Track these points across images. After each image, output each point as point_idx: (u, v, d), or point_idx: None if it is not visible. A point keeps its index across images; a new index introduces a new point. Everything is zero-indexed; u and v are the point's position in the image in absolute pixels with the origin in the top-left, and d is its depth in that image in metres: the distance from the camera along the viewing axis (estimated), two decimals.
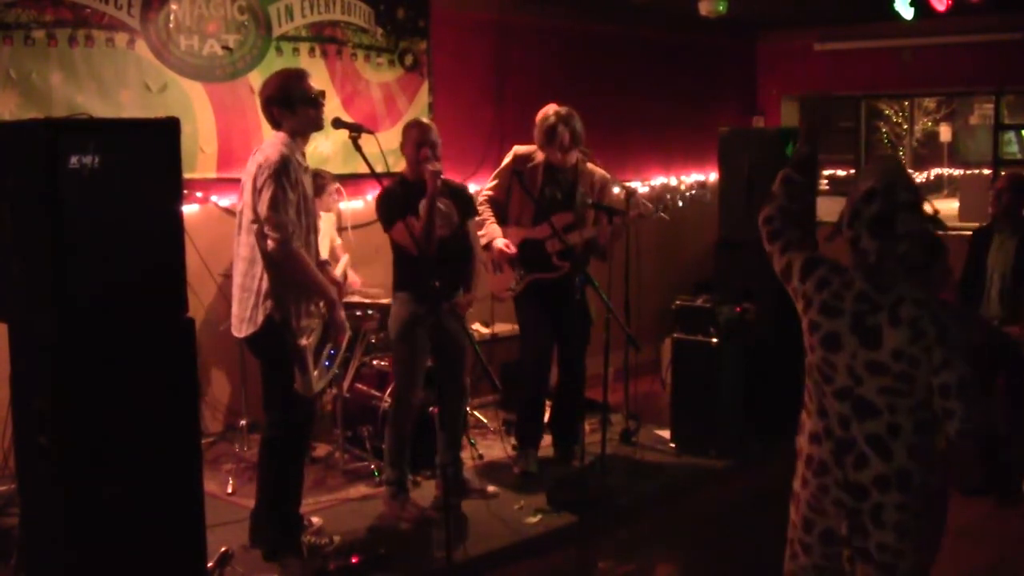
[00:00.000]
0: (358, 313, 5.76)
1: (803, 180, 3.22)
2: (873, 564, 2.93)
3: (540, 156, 5.71)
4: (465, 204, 5.26)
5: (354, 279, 6.25)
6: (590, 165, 5.79)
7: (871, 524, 2.91)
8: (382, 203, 5.02)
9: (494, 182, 5.81)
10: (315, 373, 4.38)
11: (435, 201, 4.90)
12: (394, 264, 5.18)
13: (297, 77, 4.44)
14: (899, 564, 2.90)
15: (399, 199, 4.95)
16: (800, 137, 3.34)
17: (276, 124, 4.41)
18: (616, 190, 5.90)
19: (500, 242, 5.62)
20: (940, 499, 2.94)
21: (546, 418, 6.11)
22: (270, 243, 4.21)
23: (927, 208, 2.89)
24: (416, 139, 5.02)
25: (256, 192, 4.25)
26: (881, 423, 2.86)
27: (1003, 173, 7.70)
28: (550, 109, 5.63)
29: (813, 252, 3.08)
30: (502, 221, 5.74)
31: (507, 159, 5.80)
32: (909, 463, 2.85)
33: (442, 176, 4.94)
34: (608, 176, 5.82)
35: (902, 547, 2.89)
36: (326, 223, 5.96)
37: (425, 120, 5.26)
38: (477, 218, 5.50)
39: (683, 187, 6.00)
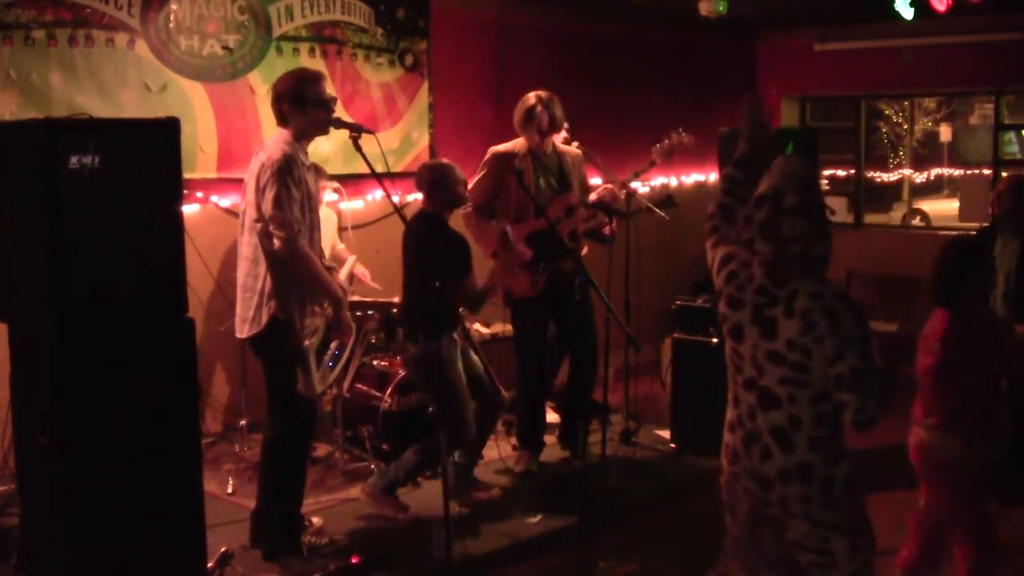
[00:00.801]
0: (358, 313, 5.75)
1: (745, 177, 3.28)
2: (806, 552, 2.98)
3: (522, 149, 5.70)
4: (463, 261, 5.17)
5: (363, 272, 6.24)
6: (561, 145, 5.82)
7: (784, 515, 2.99)
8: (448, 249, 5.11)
9: (475, 191, 5.64)
10: (318, 374, 4.37)
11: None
12: (420, 313, 5.04)
13: (314, 79, 4.45)
14: (832, 549, 2.96)
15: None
16: (743, 133, 3.37)
17: (283, 121, 4.41)
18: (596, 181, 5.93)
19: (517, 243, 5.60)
20: (851, 492, 2.99)
21: (548, 419, 6.11)
22: (276, 242, 4.21)
23: (820, 208, 2.98)
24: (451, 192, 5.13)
25: (260, 191, 4.25)
26: (783, 414, 2.95)
27: (1004, 175, 7.70)
28: (531, 93, 5.68)
29: (732, 247, 3.17)
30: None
31: (489, 161, 5.74)
32: (810, 456, 2.93)
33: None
34: (580, 153, 5.87)
35: (823, 534, 2.95)
36: (327, 225, 5.95)
37: (447, 163, 5.27)
38: (471, 232, 5.54)
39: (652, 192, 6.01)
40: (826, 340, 2.86)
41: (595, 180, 6.48)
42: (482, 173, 5.76)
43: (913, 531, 4.20)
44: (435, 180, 5.13)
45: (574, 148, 5.85)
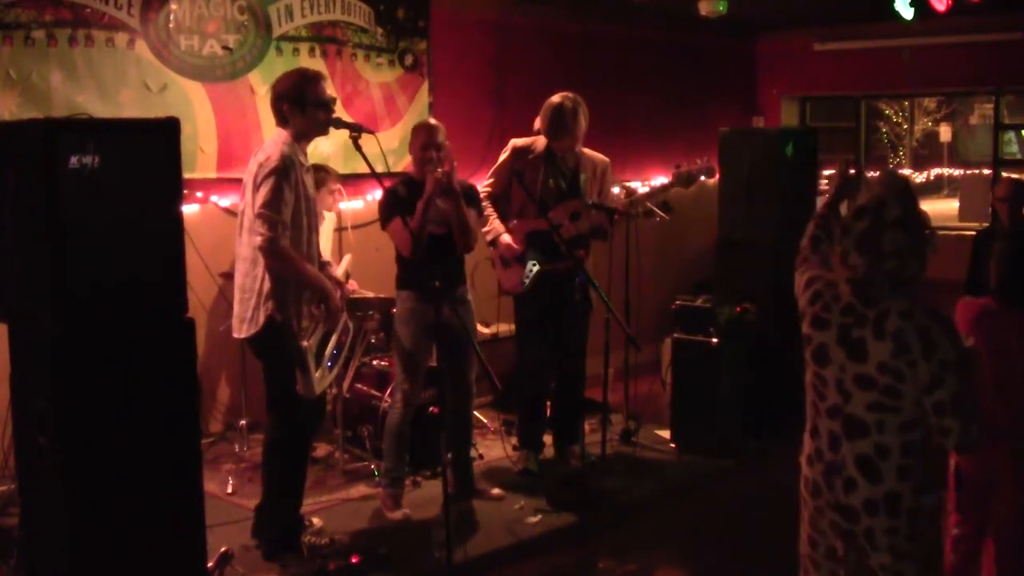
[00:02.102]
0: (358, 313, 5.76)
1: (836, 216, 3.23)
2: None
3: (540, 146, 5.69)
4: (469, 200, 5.25)
5: (351, 283, 6.25)
6: (587, 150, 5.77)
7: (868, 545, 2.90)
8: (384, 201, 5.03)
9: (492, 179, 5.78)
10: (317, 374, 4.37)
11: (430, 203, 4.90)
12: (397, 263, 5.18)
13: (314, 79, 4.44)
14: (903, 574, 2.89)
15: (401, 199, 4.96)
16: (833, 183, 3.31)
17: (283, 121, 4.41)
18: (615, 190, 5.90)
19: (506, 238, 5.61)
20: (935, 520, 2.91)
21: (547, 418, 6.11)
22: (257, 239, 4.20)
23: (921, 224, 2.87)
24: (423, 141, 5.02)
25: (256, 190, 4.25)
26: (869, 443, 2.84)
27: (1003, 175, 7.71)
28: (564, 100, 5.56)
29: (818, 270, 3.08)
30: (504, 215, 5.73)
31: (505, 154, 5.77)
32: (899, 485, 2.83)
33: (453, 175, 4.93)
34: (608, 161, 5.81)
35: (900, 567, 2.87)
36: (325, 224, 5.95)
37: (433, 121, 5.23)
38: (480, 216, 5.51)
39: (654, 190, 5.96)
40: (920, 364, 2.75)
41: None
42: (499, 163, 5.80)
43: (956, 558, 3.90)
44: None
45: (600, 155, 5.81)
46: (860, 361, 2.84)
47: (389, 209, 4.98)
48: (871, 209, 2.85)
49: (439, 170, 4.90)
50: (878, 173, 3.00)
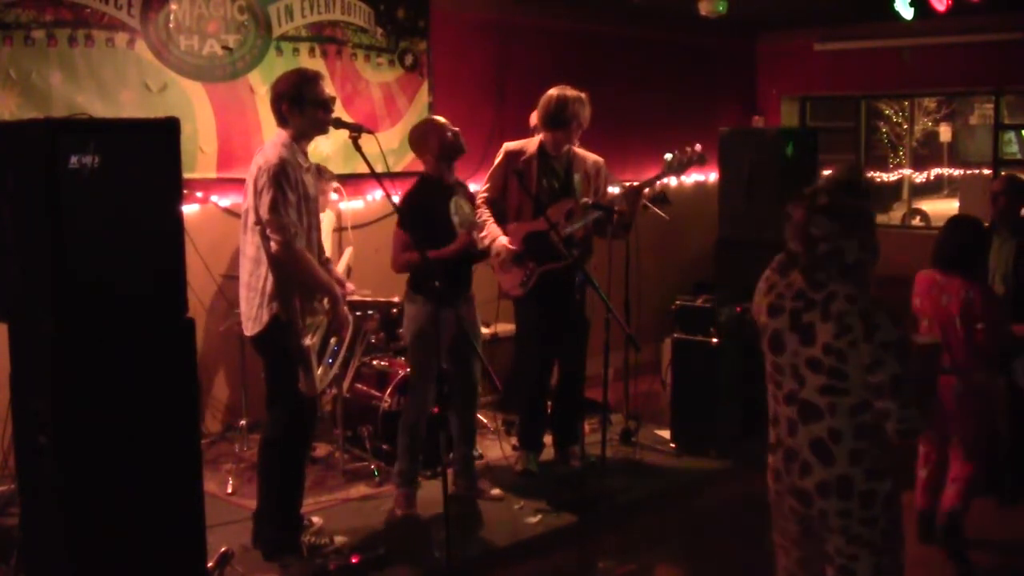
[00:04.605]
0: (358, 313, 5.75)
1: None
2: (833, 567, 2.97)
3: (532, 148, 5.69)
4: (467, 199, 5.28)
5: (348, 285, 6.24)
6: (580, 150, 5.77)
7: (823, 530, 2.96)
8: (406, 208, 5.01)
9: (488, 184, 5.78)
10: (319, 372, 4.38)
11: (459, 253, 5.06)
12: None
13: (313, 79, 4.45)
14: (855, 568, 2.93)
15: (423, 205, 5.02)
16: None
17: (282, 121, 4.41)
18: (615, 189, 5.89)
19: (503, 240, 5.61)
20: (891, 507, 2.95)
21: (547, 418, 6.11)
22: (273, 245, 4.23)
23: (854, 212, 2.96)
24: (439, 143, 5.08)
25: (257, 194, 4.27)
26: (823, 427, 2.92)
27: (1002, 173, 7.70)
28: (565, 91, 5.56)
29: (773, 265, 3.20)
30: (502, 219, 5.73)
31: (499, 158, 5.77)
32: (851, 469, 2.90)
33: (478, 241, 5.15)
34: (601, 160, 5.80)
35: (853, 551, 2.92)
36: (324, 223, 5.95)
37: (441, 120, 5.23)
38: (477, 220, 5.50)
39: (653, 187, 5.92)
40: (862, 345, 2.83)
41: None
42: (493, 168, 5.81)
43: (924, 479, 5.01)
44: (418, 137, 5.18)
45: (593, 155, 5.80)
46: (810, 345, 2.93)
47: (412, 220, 4.91)
48: (804, 197, 3.02)
49: (473, 234, 5.09)
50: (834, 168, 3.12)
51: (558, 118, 5.56)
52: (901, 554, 3.01)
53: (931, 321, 4.81)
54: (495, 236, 5.62)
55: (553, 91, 5.59)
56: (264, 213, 4.22)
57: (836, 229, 2.92)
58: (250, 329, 4.45)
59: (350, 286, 6.12)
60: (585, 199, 5.63)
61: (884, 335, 2.82)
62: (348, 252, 6.23)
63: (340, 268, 5.80)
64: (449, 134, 5.12)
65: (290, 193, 4.25)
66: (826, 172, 3.07)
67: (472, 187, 5.95)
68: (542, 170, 5.67)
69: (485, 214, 5.66)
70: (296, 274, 4.30)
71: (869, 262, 2.96)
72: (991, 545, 5.16)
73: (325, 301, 4.45)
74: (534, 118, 5.89)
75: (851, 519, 2.90)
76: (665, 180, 5.80)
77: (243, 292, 4.48)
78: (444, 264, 4.92)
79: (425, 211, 5.04)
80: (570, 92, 5.56)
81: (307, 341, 4.33)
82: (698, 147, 5.60)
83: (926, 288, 4.87)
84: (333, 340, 4.53)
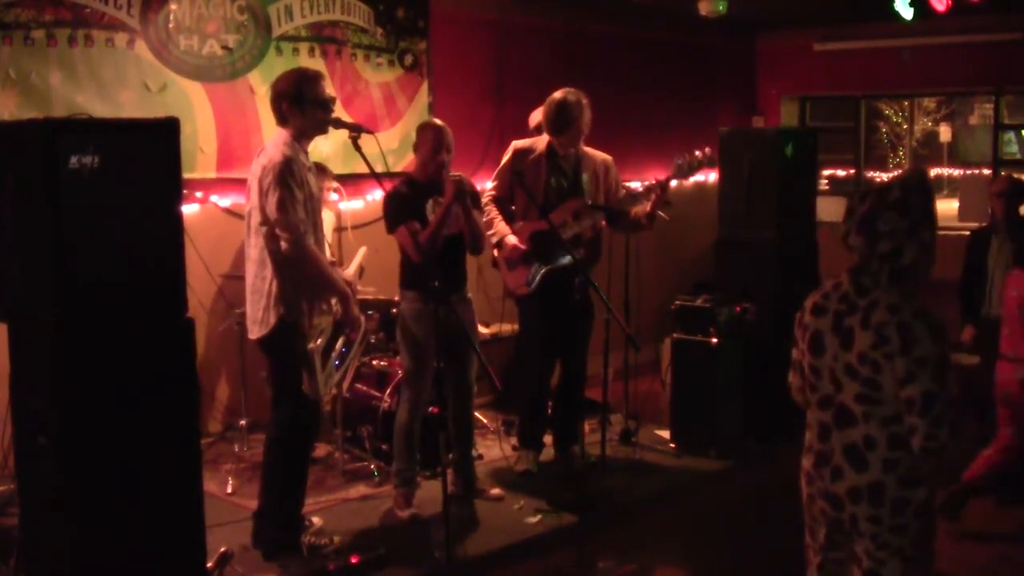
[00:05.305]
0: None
1: None
2: (861, 569, 2.95)
3: (541, 146, 5.68)
4: (472, 201, 5.24)
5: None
6: (589, 149, 5.77)
7: (854, 532, 2.93)
8: (389, 203, 5.00)
9: (496, 181, 5.79)
10: (323, 375, 4.37)
11: (451, 209, 4.90)
12: (401, 263, 5.18)
13: (313, 79, 4.45)
14: (882, 573, 2.90)
15: (406, 200, 4.95)
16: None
17: (282, 120, 4.41)
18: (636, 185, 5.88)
19: (511, 239, 5.60)
20: (924, 518, 2.91)
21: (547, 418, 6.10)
22: (283, 244, 4.22)
23: (924, 212, 2.87)
24: (433, 142, 5.01)
25: (263, 194, 4.26)
26: (857, 433, 2.87)
27: (1002, 174, 7.70)
28: (566, 96, 5.55)
29: None
30: (509, 217, 5.72)
31: (507, 155, 5.78)
32: (883, 476, 2.84)
33: (465, 182, 4.95)
34: (610, 159, 5.80)
35: (882, 556, 2.88)
36: (324, 224, 5.94)
37: (440, 123, 5.20)
38: (485, 218, 5.49)
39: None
40: (897, 359, 2.76)
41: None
42: (501, 166, 5.80)
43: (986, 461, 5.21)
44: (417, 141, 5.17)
45: (602, 154, 5.80)
46: (848, 350, 2.87)
47: (396, 213, 4.96)
48: (876, 191, 2.90)
49: (456, 175, 4.90)
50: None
51: (556, 124, 5.58)
52: (931, 564, 2.96)
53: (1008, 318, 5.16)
54: (503, 234, 5.62)
55: (556, 95, 5.60)
56: (272, 212, 4.22)
57: (903, 227, 2.83)
58: (256, 332, 4.44)
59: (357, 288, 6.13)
60: (589, 201, 5.65)
61: (920, 350, 2.74)
62: (361, 252, 6.19)
63: (352, 269, 5.78)
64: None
65: (297, 191, 4.25)
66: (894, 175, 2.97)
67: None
68: (551, 169, 5.67)
69: (492, 212, 5.66)
70: (307, 272, 4.29)
71: (924, 267, 2.88)
72: (991, 545, 5.16)
73: (335, 302, 4.45)
74: (533, 119, 5.88)
75: (881, 526, 2.86)
76: (674, 182, 5.80)
77: (248, 295, 4.48)
78: (439, 257, 4.89)
79: (405, 201, 5.00)
80: (571, 97, 5.56)
81: (312, 344, 4.32)
82: (707, 150, 5.62)
83: (1014, 284, 5.16)
84: (339, 344, 4.51)
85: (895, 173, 3.13)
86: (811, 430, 3.01)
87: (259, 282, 4.39)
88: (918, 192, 2.89)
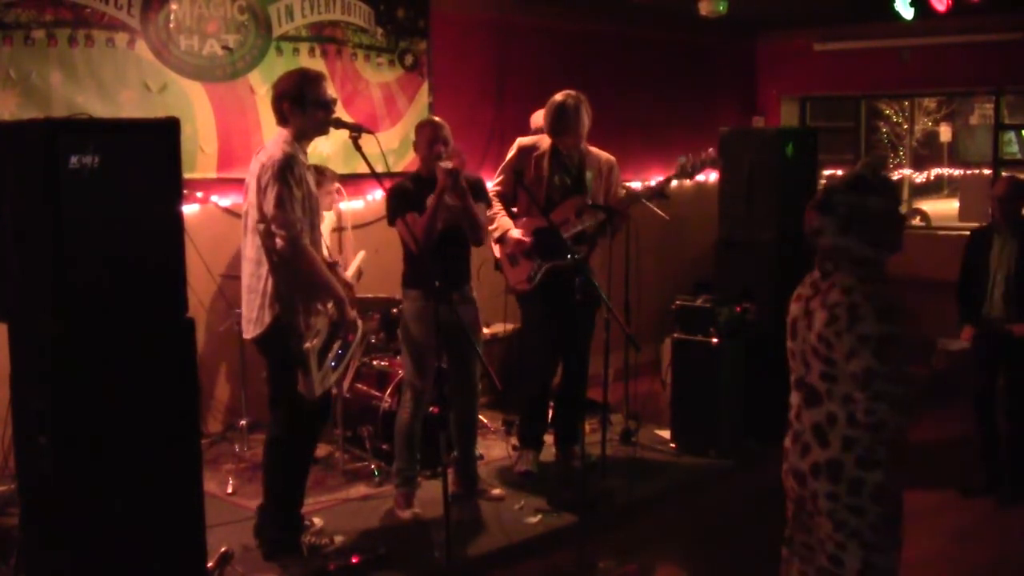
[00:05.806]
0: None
1: None
2: (825, 554, 2.97)
3: (545, 144, 5.69)
4: (478, 193, 5.24)
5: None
6: (593, 148, 5.78)
7: (815, 512, 2.99)
8: (391, 197, 5.00)
9: (500, 177, 5.79)
10: (319, 375, 4.37)
11: (443, 198, 4.90)
12: (404, 261, 5.18)
13: (315, 79, 4.45)
14: (844, 558, 2.92)
15: (409, 194, 4.96)
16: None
17: (283, 120, 4.41)
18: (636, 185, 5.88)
19: (515, 233, 5.60)
20: (884, 504, 2.93)
21: (548, 418, 6.11)
22: (279, 241, 4.21)
23: (848, 208, 2.95)
24: (429, 137, 5.03)
25: (261, 191, 4.25)
26: (822, 411, 2.96)
27: (1003, 174, 7.70)
28: (566, 99, 5.56)
29: None
30: (510, 217, 5.72)
31: (511, 152, 5.78)
32: (842, 455, 2.92)
33: (460, 170, 4.94)
34: (613, 159, 5.81)
35: (841, 539, 2.92)
36: (324, 224, 5.94)
37: (437, 119, 5.22)
38: (488, 212, 5.49)
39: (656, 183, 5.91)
40: (844, 336, 2.86)
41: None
42: (505, 162, 5.81)
43: None
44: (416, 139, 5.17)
45: (606, 154, 5.81)
46: (811, 331, 2.99)
47: (397, 204, 4.96)
48: (837, 179, 3.07)
49: (448, 162, 4.90)
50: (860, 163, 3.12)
51: (554, 126, 5.60)
52: (894, 556, 2.98)
53: None
54: (506, 228, 5.62)
55: (557, 97, 5.61)
56: (269, 209, 4.21)
57: (830, 226, 2.96)
58: (251, 331, 4.43)
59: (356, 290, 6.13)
60: (590, 200, 5.65)
61: (863, 328, 2.83)
62: (360, 256, 6.19)
63: (351, 272, 5.79)
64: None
65: (295, 188, 4.24)
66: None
67: None
68: (555, 166, 5.68)
69: (497, 207, 5.66)
70: (302, 272, 4.29)
71: (878, 258, 2.97)
72: (990, 544, 5.16)
73: (330, 305, 4.44)
74: (535, 120, 5.87)
75: (838, 503, 2.92)
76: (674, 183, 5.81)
77: (244, 294, 4.48)
78: (439, 254, 4.90)
79: (407, 195, 5.00)
80: (569, 101, 5.57)
81: (308, 344, 4.32)
82: (711, 151, 5.63)
83: None
84: (336, 345, 4.50)
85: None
86: (789, 410, 3.12)
87: (255, 281, 4.38)
88: (845, 192, 2.98)
